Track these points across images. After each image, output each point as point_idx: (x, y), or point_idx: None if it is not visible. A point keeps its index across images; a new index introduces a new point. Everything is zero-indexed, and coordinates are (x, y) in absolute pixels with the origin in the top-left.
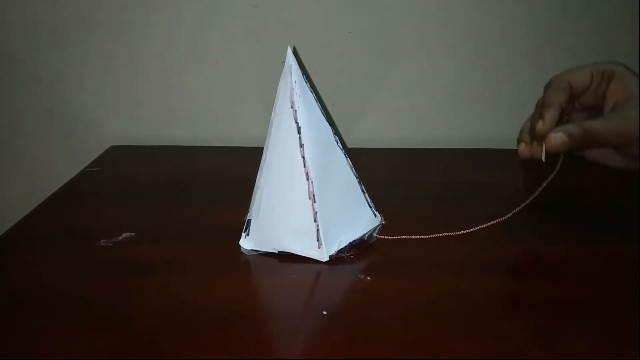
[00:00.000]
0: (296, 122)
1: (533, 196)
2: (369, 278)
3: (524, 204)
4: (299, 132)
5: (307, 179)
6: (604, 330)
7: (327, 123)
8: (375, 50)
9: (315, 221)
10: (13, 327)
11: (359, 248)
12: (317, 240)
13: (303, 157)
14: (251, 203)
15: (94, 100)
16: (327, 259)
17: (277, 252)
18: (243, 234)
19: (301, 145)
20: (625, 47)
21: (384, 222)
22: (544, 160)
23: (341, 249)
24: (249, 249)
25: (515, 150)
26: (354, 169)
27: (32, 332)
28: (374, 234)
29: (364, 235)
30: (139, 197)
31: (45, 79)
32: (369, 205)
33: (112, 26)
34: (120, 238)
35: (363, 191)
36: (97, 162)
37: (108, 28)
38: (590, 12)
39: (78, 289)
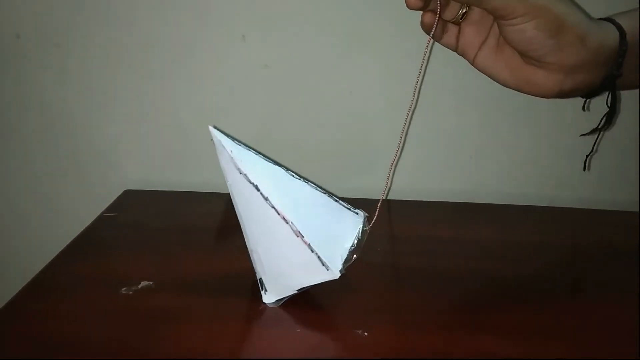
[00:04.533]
0: (251, 184)
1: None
2: (366, 334)
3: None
4: (258, 190)
5: (287, 222)
6: None
7: (274, 165)
8: (376, 106)
9: (312, 252)
10: None
11: (359, 248)
12: (323, 265)
13: (273, 207)
14: (253, 264)
15: (110, 145)
16: (339, 274)
17: (297, 291)
18: (262, 292)
19: (266, 199)
20: None
21: (367, 214)
22: None
23: (345, 259)
24: (273, 301)
25: (511, 206)
26: (318, 187)
27: None
28: (364, 229)
29: (356, 236)
30: (155, 244)
31: (64, 124)
32: (347, 208)
33: (132, 76)
34: (139, 287)
35: (336, 200)
36: (113, 207)
37: (128, 78)
38: None
39: (101, 336)
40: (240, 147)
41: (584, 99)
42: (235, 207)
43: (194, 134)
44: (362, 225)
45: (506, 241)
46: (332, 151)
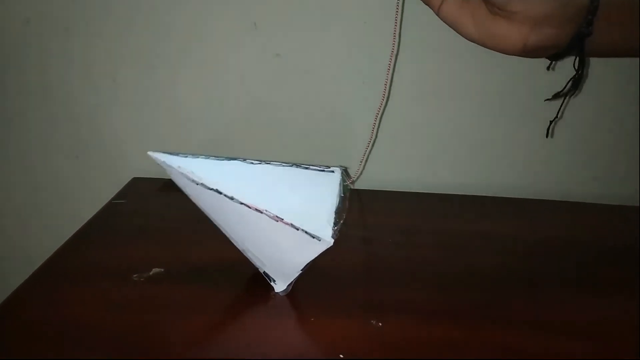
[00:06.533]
0: (211, 189)
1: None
2: (380, 324)
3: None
4: (220, 193)
5: (261, 212)
6: None
7: (229, 160)
8: (390, 97)
9: (298, 230)
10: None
11: (344, 206)
12: (313, 237)
13: (242, 203)
14: (252, 262)
15: (118, 132)
16: (332, 241)
17: (302, 271)
18: (271, 284)
19: (232, 198)
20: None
21: (344, 167)
22: None
23: (334, 223)
24: (284, 288)
25: (524, 200)
26: (282, 163)
27: None
28: (345, 184)
29: (339, 194)
30: (164, 232)
31: (72, 111)
32: (321, 170)
33: (142, 65)
34: (150, 273)
35: (306, 167)
36: (121, 194)
37: (137, 67)
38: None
39: (113, 323)
40: (186, 158)
41: (550, 61)
42: (209, 218)
43: (203, 122)
44: (341, 180)
45: (519, 235)
46: (344, 141)
